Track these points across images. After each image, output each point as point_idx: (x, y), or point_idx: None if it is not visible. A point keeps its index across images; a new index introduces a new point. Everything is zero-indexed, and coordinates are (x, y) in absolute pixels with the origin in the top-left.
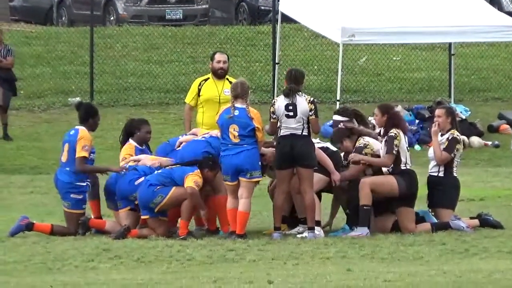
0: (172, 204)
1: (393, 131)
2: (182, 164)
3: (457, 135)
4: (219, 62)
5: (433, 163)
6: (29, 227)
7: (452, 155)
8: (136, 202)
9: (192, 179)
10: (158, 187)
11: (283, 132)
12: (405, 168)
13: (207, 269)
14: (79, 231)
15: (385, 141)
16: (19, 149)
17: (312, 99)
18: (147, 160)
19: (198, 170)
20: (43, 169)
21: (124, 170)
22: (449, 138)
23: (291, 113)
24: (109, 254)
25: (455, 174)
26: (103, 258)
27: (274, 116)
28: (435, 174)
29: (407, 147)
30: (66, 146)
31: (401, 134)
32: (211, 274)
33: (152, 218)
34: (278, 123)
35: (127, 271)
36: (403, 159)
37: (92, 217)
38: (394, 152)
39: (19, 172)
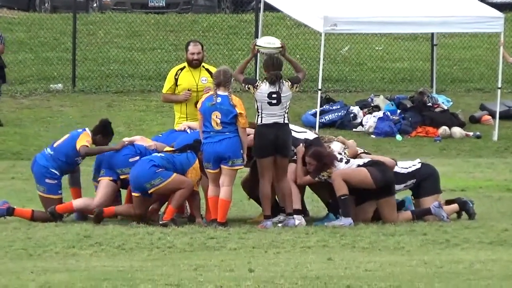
0: (167, 190)
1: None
2: (176, 150)
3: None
4: (192, 54)
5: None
6: (10, 212)
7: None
8: (122, 177)
9: (196, 176)
10: (160, 169)
11: (265, 120)
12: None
13: (188, 257)
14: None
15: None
16: (0, 135)
17: (290, 82)
18: (144, 141)
19: (197, 163)
20: (25, 155)
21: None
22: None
23: (274, 101)
24: (90, 240)
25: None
26: (83, 244)
27: (251, 89)
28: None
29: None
30: (67, 135)
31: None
32: (191, 261)
33: (141, 197)
34: (259, 110)
35: (107, 258)
36: None
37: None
38: None
39: (0, 158)
